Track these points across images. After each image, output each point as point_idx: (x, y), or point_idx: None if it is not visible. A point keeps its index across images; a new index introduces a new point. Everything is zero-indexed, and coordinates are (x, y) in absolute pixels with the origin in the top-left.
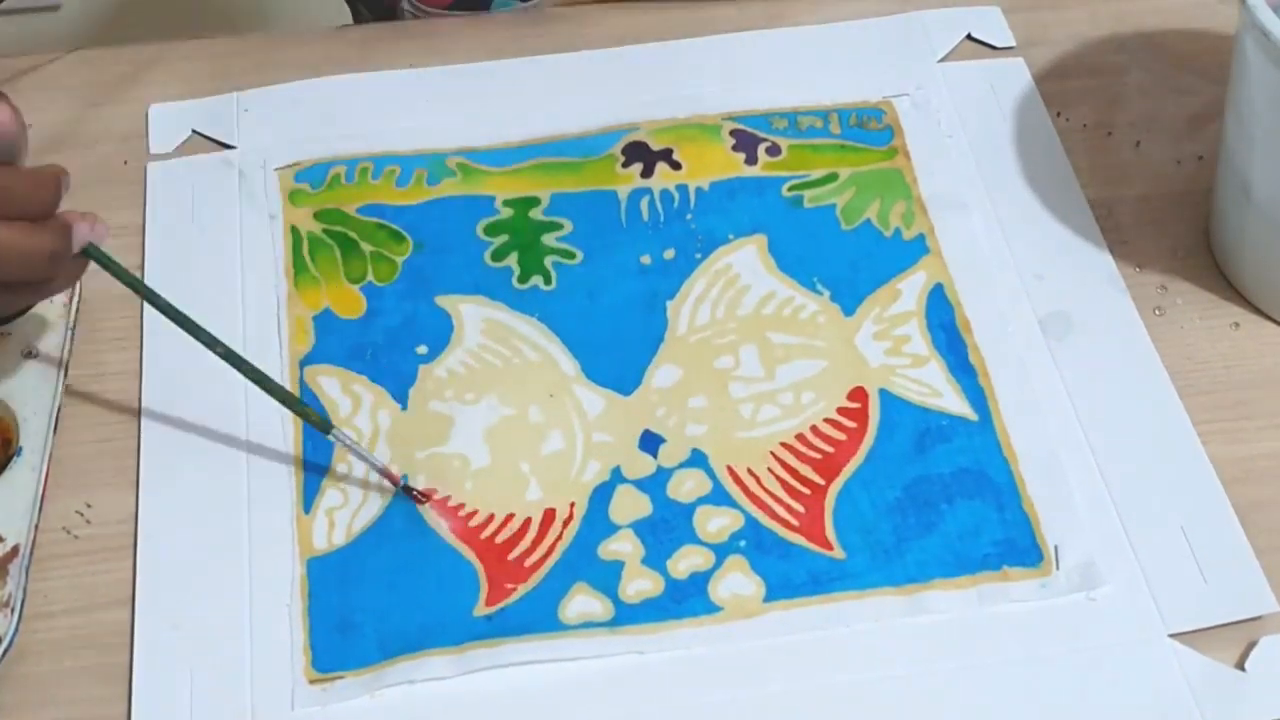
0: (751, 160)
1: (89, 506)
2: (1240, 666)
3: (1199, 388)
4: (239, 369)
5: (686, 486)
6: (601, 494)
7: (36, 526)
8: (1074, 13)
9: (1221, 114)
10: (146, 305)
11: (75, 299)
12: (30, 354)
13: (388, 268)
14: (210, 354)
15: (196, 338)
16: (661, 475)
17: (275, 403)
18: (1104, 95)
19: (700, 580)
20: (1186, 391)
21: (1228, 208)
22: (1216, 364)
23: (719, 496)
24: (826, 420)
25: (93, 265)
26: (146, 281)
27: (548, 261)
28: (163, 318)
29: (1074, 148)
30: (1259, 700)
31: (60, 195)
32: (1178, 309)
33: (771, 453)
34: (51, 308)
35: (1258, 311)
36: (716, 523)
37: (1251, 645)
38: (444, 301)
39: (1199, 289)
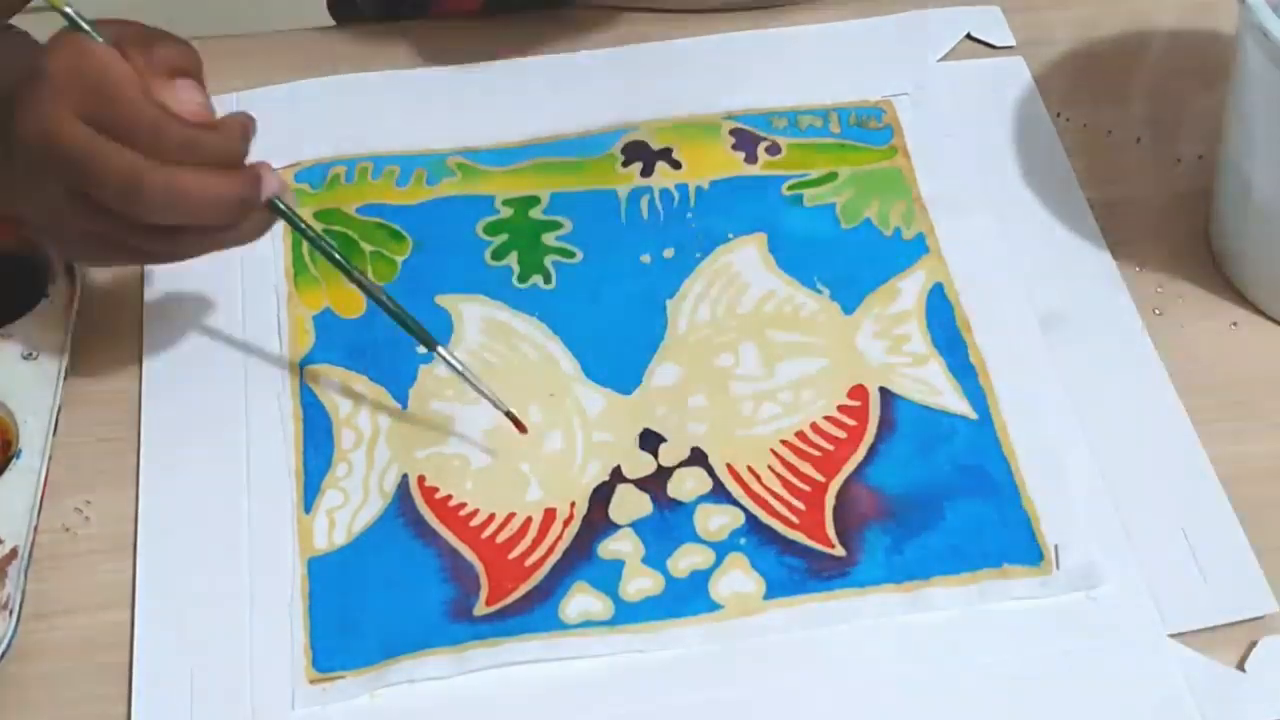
0: (751, 159)
1: (89, 505)
2: (1240, 667)
3: (1199, 387)
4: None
5: (687, 485)
6: (601, 493)
7: (35, 529)
8: (1074, 12)
9: (1221, 114)
10: (147, 304)
11: (75, 301)
12: (30, 356)
13: (387, 267)
14: (209, 354)
15: (377, 301)
16: (662, 474)
17: (275, 402)
18: (1104, 95)
19: (700, 579)
20: (1186, 391)
21: (1228, 208)
22: (1216, 364)
23: (719, 495)
24: (827, 418)
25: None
26: (146, 282)
27: (547, 261)
28: (162, 317)
29: (1074, 147)
30: (1259, 701)
31: (249, 144)
32: (1177, 309)
33: (772, 450)
34: (52, 309)
35: (1257, 311)
36: (717, 521)
37: (1252, 645)
38: (444, 301)
39: (1199, 289)
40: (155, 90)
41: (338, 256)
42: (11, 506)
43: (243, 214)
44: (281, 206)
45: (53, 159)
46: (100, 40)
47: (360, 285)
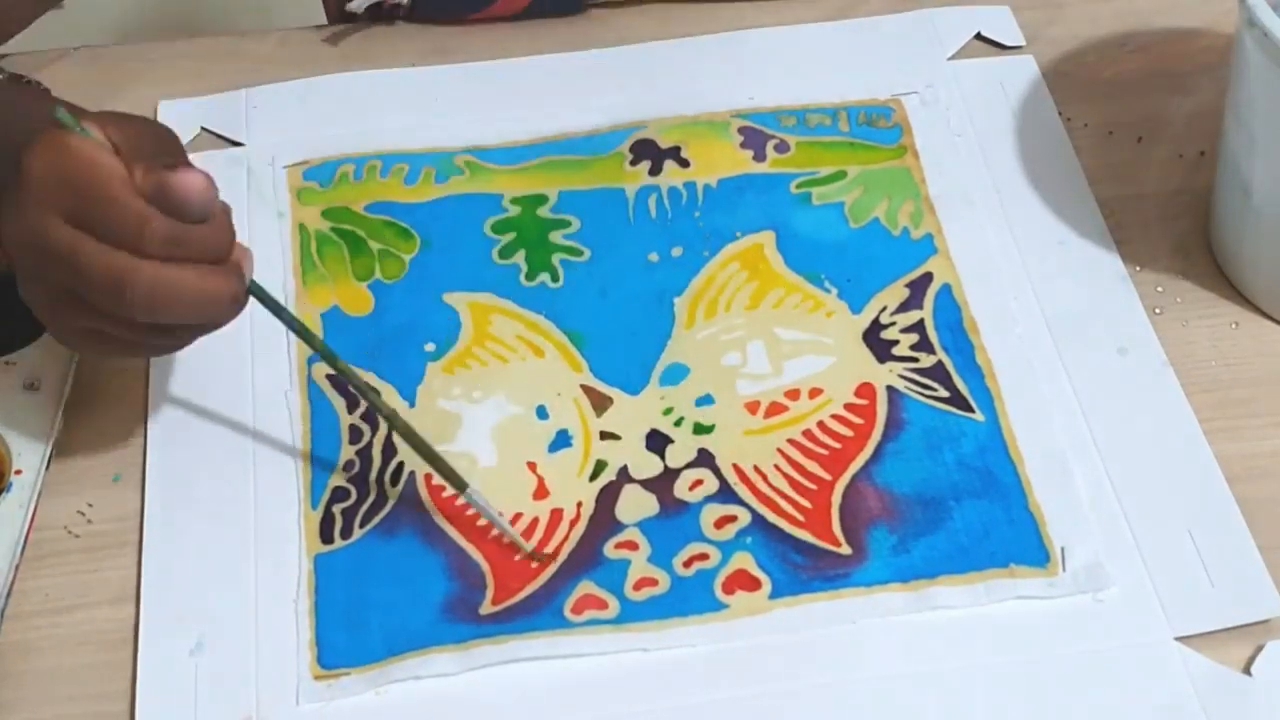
0: (760, 157)
1: (90, 506)
2: (1247, 671)
3: (1200, 387)
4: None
5: (693, 485)
6: (608, 493)
7: (17, 567)
8: (1080, 11)
9: (1222, 113)
10: None
11: None
12: (32, 386)
13: (395, 265)
14: (215, 351)
15: (348, 380)
16: (668, 475)
17: (283, 399)
18: (1107, 94)
19: (706, 578)
20: (1188, 391)
21: (1228, 208)
22: (1217, 363)
23: (726, 495)
24: (834, 417)
25: None
26: None
27: (555, 259)
28: None
29: (1077, 146)
30: (1265, 705)
31: (234, 237)
32: (1178, 308)
33: (779, 449)
34: None
35: (1258, 311)
36: (723, 520)
37: (1259, 649)
38: (451, 299)
39: (1199, 288)
40: (154, 181)
41: (329, 354)
42: None
43: (235, 311)
44: (258, 290)
45: (41, 261)
46: (89, 136)
47: (343, 373)
